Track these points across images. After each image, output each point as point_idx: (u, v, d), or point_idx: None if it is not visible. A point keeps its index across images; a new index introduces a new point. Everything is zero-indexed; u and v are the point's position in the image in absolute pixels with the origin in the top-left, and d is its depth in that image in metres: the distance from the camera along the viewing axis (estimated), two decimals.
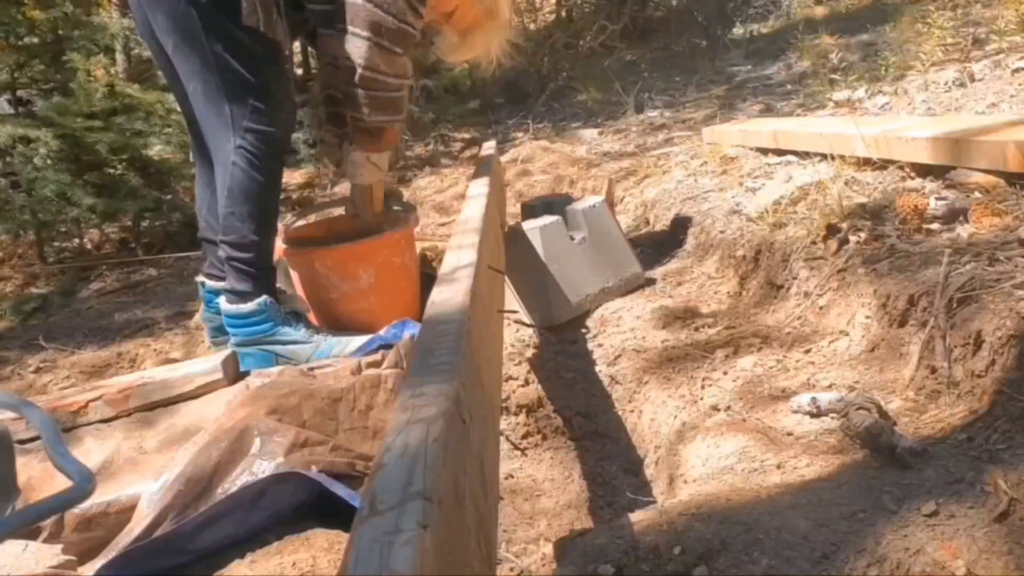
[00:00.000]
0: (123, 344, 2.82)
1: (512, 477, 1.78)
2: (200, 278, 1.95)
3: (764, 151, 2.97)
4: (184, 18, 1.55)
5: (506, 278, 2.23)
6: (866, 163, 2.28)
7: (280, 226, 1.95)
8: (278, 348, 1.70)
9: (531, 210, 2.49)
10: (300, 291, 1.92)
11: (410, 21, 1.69)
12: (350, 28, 1.66)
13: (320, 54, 1.91)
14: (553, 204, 2.46)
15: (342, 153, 1.95)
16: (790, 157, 2.77)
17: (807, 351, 1.70)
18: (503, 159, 4.40)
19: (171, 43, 1.61)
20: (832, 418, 1.38)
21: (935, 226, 1.76)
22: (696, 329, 2.01)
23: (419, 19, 1.72)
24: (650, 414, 1.77)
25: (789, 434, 1.40)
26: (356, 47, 1.67)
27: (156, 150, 4.24)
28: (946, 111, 2.89)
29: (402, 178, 4.94)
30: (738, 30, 6.99)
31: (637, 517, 1.19)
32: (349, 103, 1.76)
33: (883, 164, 2.23)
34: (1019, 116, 2.35)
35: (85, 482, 0.83)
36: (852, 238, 1.86)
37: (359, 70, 1.68)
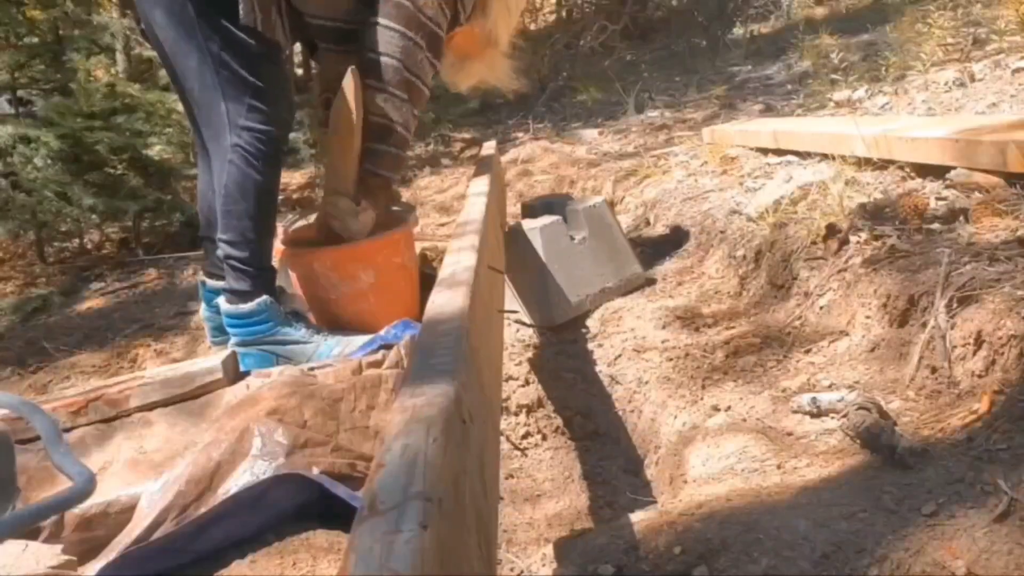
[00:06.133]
0: (123, 344, 2.82)
1: (512, 477, 1.79)
2: (201, 277, 1.95)
3: (764, 151, 2.97)
4: (181, 15, 1.55)
5: (506, 278, 2.23)
6: (866, 163, 2.28)
7: (279, 227, 1.95)
8: (278, 348, 1.70)
9: (531, 210, 2.48)
10: (299, 292, 1.92)
11: (427, 80, 1.72)
12: (388, 87, 1.66)
13: (319, 63, 1.91)
14: (553, 204, 2.46)
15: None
16: (790, 157, 2.77)
17: (807, 351, 1.70)
18: (503, 159, 4.40)
19: (169, 41, 1.62)
20: (832, 418, 1.38)
21: (935, 226, 1.76)
22: (697, 329, 2.01)
23: (433, 72, 1.74)
24: (650, 414, 1.76)
25: (789, 434, 1.40)
26: (395, 107, 1.68)
27: (156, 150, 4.24)
28: (946, 111, 2.89)
29: (402, 178, 4.94)
30: (738, 30, 6.99)
31: (637, 517, 1.19)
32: (374, 158, 1.74)
33: (883, 164, 2.23)
34: (1019, 116, 2.35)
35: (85, 482, 0.83)
36: (852, 238, 1.86)
37: (398, 129, 1.69)
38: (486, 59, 2.03)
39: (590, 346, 2.15)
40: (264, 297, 1.68)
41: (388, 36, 1.64)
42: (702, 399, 1.66)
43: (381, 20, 1.64)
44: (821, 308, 1.81)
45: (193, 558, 1.11)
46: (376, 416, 1.33)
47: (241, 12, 1.52)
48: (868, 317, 1.64)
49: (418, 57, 1.65)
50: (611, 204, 2.81)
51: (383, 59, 1.65)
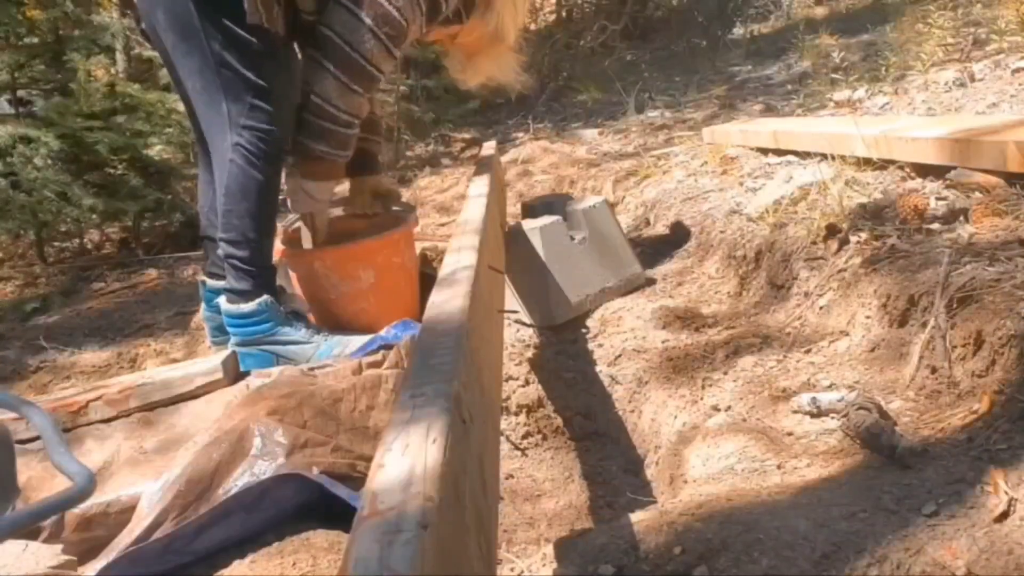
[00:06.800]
0: (123, 344, 2.82)
1: (512, 477, 1.79)
2: (201, 277, 1.96)
3: (764, 151, 2.96)
4: (182, 15, 1.55)
5: (506, 278, 2.23)
6: (866, 163, 2.28)
7: (280, 226, 1.95)
8: (278, 348, 1.70)
9: (531, 210, 2.48)
10: (299, 291, 1.93)
11: (377, 63, 1.67)
12: (316, 54, 1.66)
13: None
14: (553, 204, 2.46)
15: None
16: (790, 157, 2.77)
17: (807, 351, 1.70)
18: (503, 159, 4.40)
19: (170, 40, 1.62)
20: (832, 418, 1.38)
21: (935, 226, 1.76)
22: (697, 329, 2.01)
23: (390, 59, 1.71)
24: (650, 414, 1.77)
25: (789, 434, 1.40)
26: (315, 73, 1.66)
27: (156, 150, 4.24)
28: (946, 111, 2.89)
29: (402, 178, 4.94)
30: (738, 30, 6.99)
31: (637, 517, 1.19)
32: (298, 126, 1.73)
33: (883, 164, 2.23)
34: (1019, 116, 2.35)
35: (85, 482, 0.84)
36: (852, 238, 1.86)
37: (312, 97, 1.67)
38: (493, 55, 2.02)
39: (590, 346, 2.15)
40: (265, 297, 1.68)
41: (337, 12, 1.63)
42: (702, 399, 1.66)
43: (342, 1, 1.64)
44: (821, 308, 1.81)
45: (193, 558, 1.11)
46: (376, 416, 1.33)
47: (247, 11, 1.52)
48: (868, 317, 1.64)
49: (363, 35, 1.63)
50: (611, 204, 2.81)
51: (325, 31, 1.64)
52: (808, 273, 1.92)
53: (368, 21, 1.62)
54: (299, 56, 1.80)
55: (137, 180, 3.99)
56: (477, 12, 1.89)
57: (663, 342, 1.97)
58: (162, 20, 1.60)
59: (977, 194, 1.83)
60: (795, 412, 1.46)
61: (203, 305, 1.95)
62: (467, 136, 5.85)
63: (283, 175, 1.79)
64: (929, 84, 3.33)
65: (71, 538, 1.19)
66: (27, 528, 0.99)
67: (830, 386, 1.52)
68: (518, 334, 2.28)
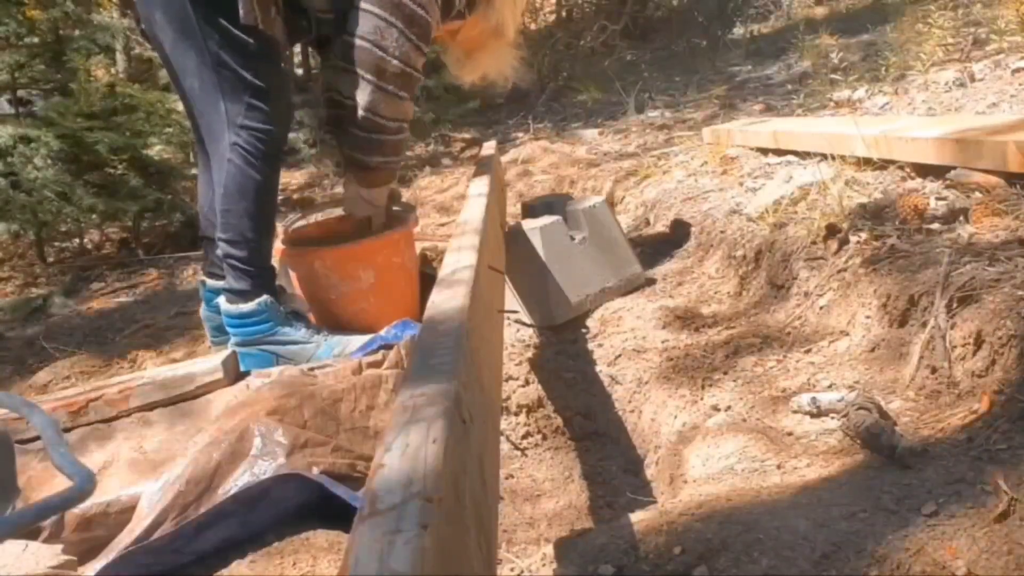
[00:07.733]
0: (123, 344, 2.82)
1: (512, 477, 1.78)
2: (201, 277, 1.96)
3: (764, 151, 2.96)
4: (180, 15, 1.55)
5: (506, 278, 2.23)
6: (866, 163, 2.28)
7: (280, 226, 1.95)
8: (278, 348, 1.70)
9: (531, 210, 2.48)
10: (299, 291, 1.93)
11: (414, 64, 1.68)
12: (357, 69, 1.65)
13: (324, 57, 1.91)
14: (553, 204, 2.46)
15: (342, 156, 1.94)
16: (790, 157, 2.77)
17: (807, 351, 1.70)
18: (504, 159, 4.40)
19: (168, 40, 1.62)
20: (832, 418, 1.38)
21: (935, 226, 1.76)
22: (696, 329, 2.01)
23: (422, 58, 1.71)
24: (650, 414, 1.77)
25: (789, 434, 1.40)
26: (359, 89, 1.66)
27: (156, 150, 4.24)
28: (946, 111, 2.89)
29: (402, 178, 4.93)
30: (738, 30, 7.00)
31: (637, 517, 1.19)
32: (348, 141, 1.75)
33: (883, 164, 2.23)
34: (1019, 116, 2.35)
35: (85, 482, 0.84)
36: (852, 238, 1.86)
37: (360, 111, 1.67)
38: (492, 50, 2.03)
39: (590, 346, 2.15)
40: (264, 297, 1.68)
41: (365, 19, 1.63)
42: (702, 399, 1.66)
43: (362, 4, 1.64)
44: (821, 308, 1.81)
45: (193, 558, 1.11)
46: (376, 416, 1.33)
47: (241, 12, 1.52)
48: (868, 317, 1.64)
49: (396, 39, 1.63)
50: (611, 204, 2.81)
51: (356, 40, 1.63)
52: (808, 273, 1.92)
53: (399, 24, 1.62)
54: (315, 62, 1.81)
55: (137, 180, 3.99)
56: (479, 8, 1.90)
57: (663, 342, 1.97)
58: (159, 20, 1.60)
59: (977, 194, 1.83)
60: (795, 412, 1.46)
61: (203, 305, 1.95)
62: (467, 136, 5.85)
63: (343, 175, 1.81)
64: (929, 84, 3.33)
65: (71, 538, 1.19)
66: (27, 528, 0.99)
67: (830, 386, 1.52)
68: (518, 334, 2.28)
